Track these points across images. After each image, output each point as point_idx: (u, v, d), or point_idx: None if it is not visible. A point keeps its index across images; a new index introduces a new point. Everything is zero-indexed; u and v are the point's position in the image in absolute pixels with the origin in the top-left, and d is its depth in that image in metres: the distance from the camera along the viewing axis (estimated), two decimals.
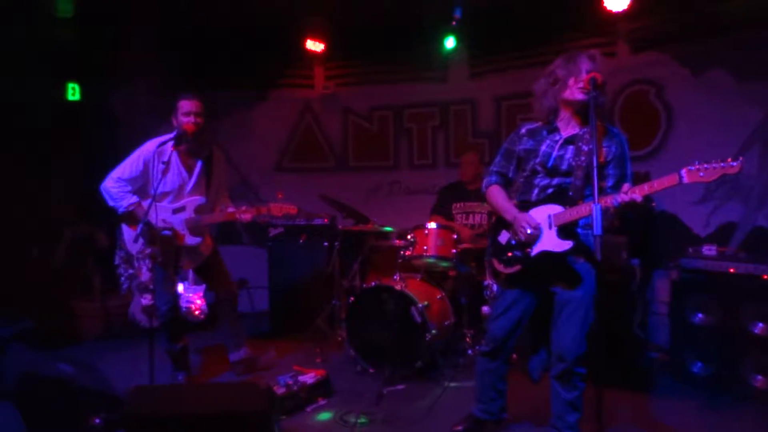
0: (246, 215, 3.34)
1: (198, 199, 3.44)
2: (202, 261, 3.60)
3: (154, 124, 5.17)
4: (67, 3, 4.83)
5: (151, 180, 3.32)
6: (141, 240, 3.07)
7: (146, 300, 2.81)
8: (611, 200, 2.16)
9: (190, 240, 3.40)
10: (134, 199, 3.32)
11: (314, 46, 5.51)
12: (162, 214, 3.38)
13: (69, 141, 5.12)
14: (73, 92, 5.33)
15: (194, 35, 5.48)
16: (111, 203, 3.35)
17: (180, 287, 4.12)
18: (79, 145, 5.20)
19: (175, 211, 3.41)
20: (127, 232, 3.44)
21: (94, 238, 5.16)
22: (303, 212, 5.18)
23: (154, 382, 2.82)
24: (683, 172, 2.05)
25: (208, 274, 3.71)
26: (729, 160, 1.98)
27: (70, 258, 5.10)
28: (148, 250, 2.83)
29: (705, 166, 2.02)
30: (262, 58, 5.80)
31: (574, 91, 2.36)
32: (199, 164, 3.46)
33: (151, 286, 2.81)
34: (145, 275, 2.85)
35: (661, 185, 2.09)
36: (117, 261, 3.41)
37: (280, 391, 3.07)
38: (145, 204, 3.37)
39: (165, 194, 3.41)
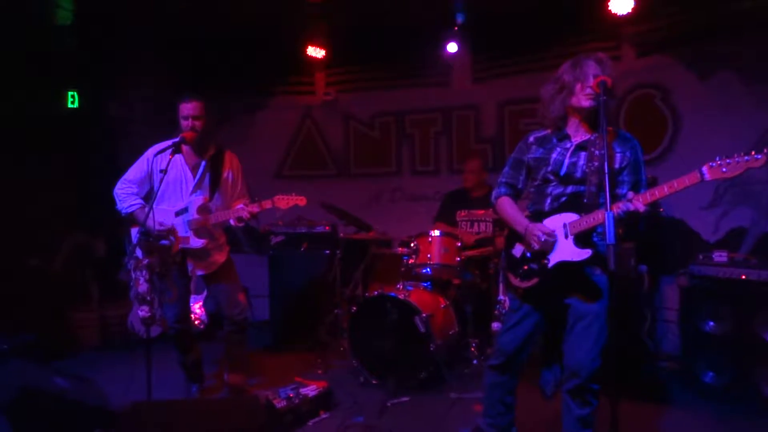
0: (247, 212, 3.13)
1: (200, 199, 3.29)
2: (216, 268, 3.39)
3: (152, 132, 5.11)
4: (66, 11, 4.79)
5: (153, 185, 3.26)
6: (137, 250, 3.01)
7: (143, 312, 2.72)
8: (623, 205, 2.08)
9: (195, 242, 3.25)
10: (137, 201, 3.29)
11: (315, 52, 5.46)
12: (160, 217, 3.23)
13: (68, 149, 5.06)
14: (73, 100, 5.29)
15: (194, 42, 5.44)
16: (118, 205, 3.33)
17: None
18: (78, 154, 5.14)
19: (178, 213, 3.29)
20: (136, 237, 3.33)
21: (92, 247, 5.10)
22: (304, 220, 5.12)
23: (152, 396, 2.74)
24: (704, 169, 1.95)
25: (218, 290, 3.45)
26: (753, 153, 1.88)
27: (68, 268, 5.03)
28: (145, 261, 2.75)
29: (727, 161, 1.92)
30: (262, 64, 5.76)
31: (581, 98, 2.28)
32: (203, 163, 3.35)
33: (149, 297, 2.73)
34: (142, 286, 2.77)
35: (681, 184, 1.99)
36: (129, 267, 3.27)
37: (280, 404, 2.99)
38: (134, 204, 3.31)
39: (169, 190, 3.31)
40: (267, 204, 3.19)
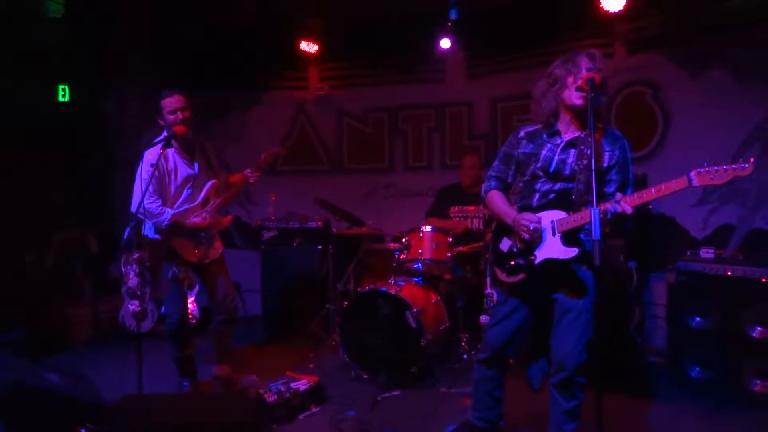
0: (254, 177, 3.46)
1: (212, 183, 3.40)
2: (217, 256, 3.47)
3: (145, 126, 5.10)
4: (57, 3, 4.76)
5: (164, 183, 3.30)
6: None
7: (134, 306, 2.73)
8: (611, 206, 2.10)
9: (227, 219, 3.53)
10: (168, 209, 3.25)
11: (308, 47, 5.45)
12: (195, 216, 3.34)
13: (59, 143, 5.04)
14: (63, 94, 5.25)
15: (186, 37, 5.42)
16: (153, 220, 3.23)
17: None
18: (69, 148, 5.12)
19: (204, 204, 3.38)
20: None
21: (85, 242, 5.08)
22: (297, 215, 5.13)
23: (143, 391, 2.75)
24: (692, 174, 1.97)
25: (214, 282, 3.45)
26: (740, 161, 1.90)
27: (60, 263, 5.02)
28: (135, 255, 2.75)
29: (715, 168, 1.94)
30: (255, 59, 5.74)
31: (572, 95, 2.28)
32: (195, 154, 3.40)
33: (139, 292, 2.73)
34: (132, 280, 2.78)
35: (669, 189, 2.00)
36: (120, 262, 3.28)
37: (271, 398, 3.01)
38: (172, 210, 3.28)
39: (181, 189, 3.33)
40: (261, 163, 3.47)
